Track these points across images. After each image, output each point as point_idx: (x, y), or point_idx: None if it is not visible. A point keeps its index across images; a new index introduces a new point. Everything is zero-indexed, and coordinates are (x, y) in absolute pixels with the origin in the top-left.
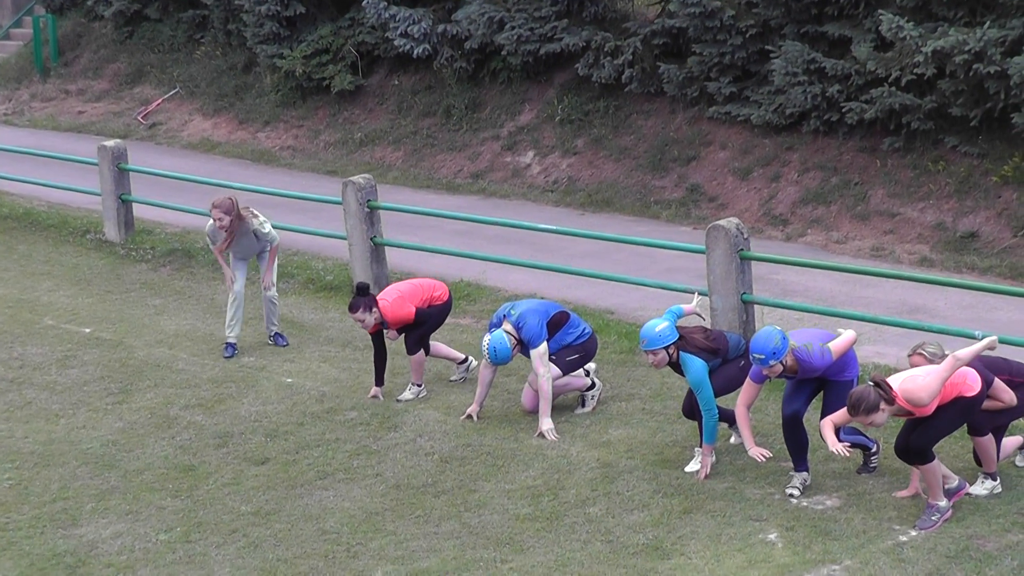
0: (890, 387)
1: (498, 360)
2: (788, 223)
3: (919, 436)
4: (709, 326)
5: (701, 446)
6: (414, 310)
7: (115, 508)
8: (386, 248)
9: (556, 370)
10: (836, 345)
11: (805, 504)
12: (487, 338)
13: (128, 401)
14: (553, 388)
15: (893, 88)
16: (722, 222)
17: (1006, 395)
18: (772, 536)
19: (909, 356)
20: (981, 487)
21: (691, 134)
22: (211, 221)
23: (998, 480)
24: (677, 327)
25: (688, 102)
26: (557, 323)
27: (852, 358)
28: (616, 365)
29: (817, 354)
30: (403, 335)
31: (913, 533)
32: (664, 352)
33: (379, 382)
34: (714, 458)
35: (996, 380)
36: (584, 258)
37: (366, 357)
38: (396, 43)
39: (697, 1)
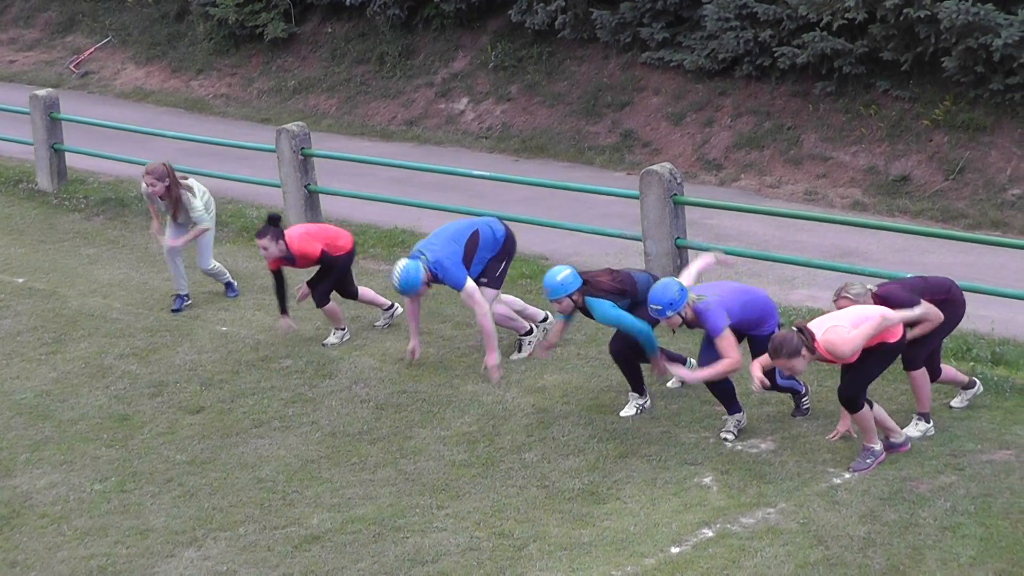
0: (813, 335)
1: (404, 290)
2: (722, 168)
3: (848, 385)
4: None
5: (636, 389)
6: (320, 248)
7: (49, 458)
8: (320, 196)
9: (491, 291)
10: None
11: (739, 448)
12: (400, 264)
13: (62, 351)
14: (496, 319)
15: (825, 33)
16: (656, 167)
17: (932, 312)
18: (707, 480)
19: (835, 301)
20: (915, 429)
21: (624, 80)
22: (144, 185)
23: (931, 423)
24: (580, 272)
25: (621, 48)
26: (472, 246)
27: (771, 311)
28: (551, 311)
29: (714, 313)
30: (311, 292)
31: (847, 476)
32: (568, 300)
33: (283, 311)
34: (673, 370)
35: (922, 302)
36: (519, 204)
37: (300, 305)
38: None
39: None
